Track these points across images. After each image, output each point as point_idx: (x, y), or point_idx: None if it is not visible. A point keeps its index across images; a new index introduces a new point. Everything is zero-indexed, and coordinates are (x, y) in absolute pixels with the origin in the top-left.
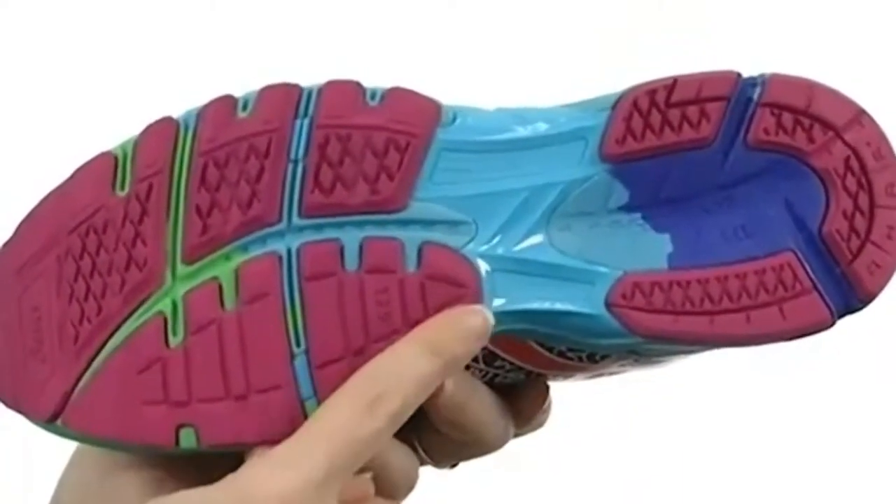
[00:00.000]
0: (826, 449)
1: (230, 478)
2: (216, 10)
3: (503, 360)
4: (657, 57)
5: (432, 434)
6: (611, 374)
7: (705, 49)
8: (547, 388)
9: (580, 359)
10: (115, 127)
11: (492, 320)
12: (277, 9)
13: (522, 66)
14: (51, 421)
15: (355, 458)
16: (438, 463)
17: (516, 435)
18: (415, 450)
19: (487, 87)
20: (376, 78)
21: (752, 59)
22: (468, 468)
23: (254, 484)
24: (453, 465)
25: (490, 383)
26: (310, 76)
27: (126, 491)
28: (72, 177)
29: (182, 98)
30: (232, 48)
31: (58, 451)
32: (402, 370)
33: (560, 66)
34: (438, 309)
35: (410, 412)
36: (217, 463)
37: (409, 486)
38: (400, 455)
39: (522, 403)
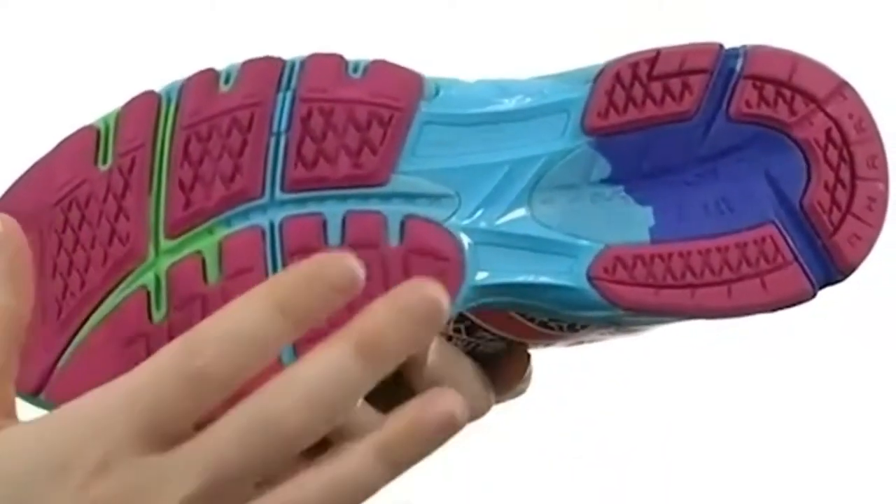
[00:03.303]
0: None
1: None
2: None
3: (484, 330)
4: None
5: None
6: (591, 341)
7: None
8: (528, 356)
9: (561, 328)
10: (96, 103)
11: (360, 271)
12: None
13: (522, 65)
14: (34, 394)
15: (172, 427)
16: None
17: (497, 401)
18: None
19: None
20: None
21: None
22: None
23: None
24: None
25: (471, 353)
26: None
27: None
28: (53, 150)
29: (166, 71)
30: (227, 36)
31: None
32: (242, 331)
33: (560, 66)
34: None
35: (247, 378)
36: None
37: None
38: None
39: (504, 372)
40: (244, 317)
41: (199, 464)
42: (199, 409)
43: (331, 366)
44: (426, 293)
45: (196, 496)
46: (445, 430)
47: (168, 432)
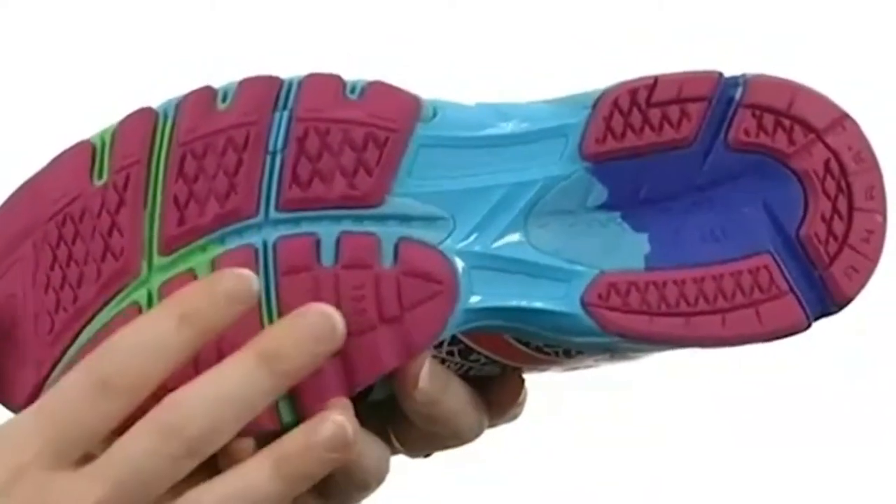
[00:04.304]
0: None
1: None
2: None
3: (478, 353)
4: (657, 58)
5: (406, 425)
6: (585, 367)
7: (706, 49)
8: (522, 381)
9: (556, 353)
10: (97, 117)
11: (256, 284)
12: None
13: (521, 66)
14: (24, 408)
15: (81, 441)
16: (412, 453)
17: (491, 425)
18: (388, 440)
19: (485, 88)
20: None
21: (753, 59)
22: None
23: None
24: (427, 455)
25: (465, 376)
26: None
27: None
28: (49, 165)
29: (168, 88)
30: (229, 45)
31: None
32: (145, 341)
33: (559, 67)
34: (414, 305)
35: (154, 387)
36: None
37: (380, 477)
38: (372, 446)
39: (498, 396)
40: (145, 327)
41: (104, 475)
42: (107, 421)
43: (234, 373)
44: (318, 308)
45: None
46: (336, 442)
47: (78, 447)
